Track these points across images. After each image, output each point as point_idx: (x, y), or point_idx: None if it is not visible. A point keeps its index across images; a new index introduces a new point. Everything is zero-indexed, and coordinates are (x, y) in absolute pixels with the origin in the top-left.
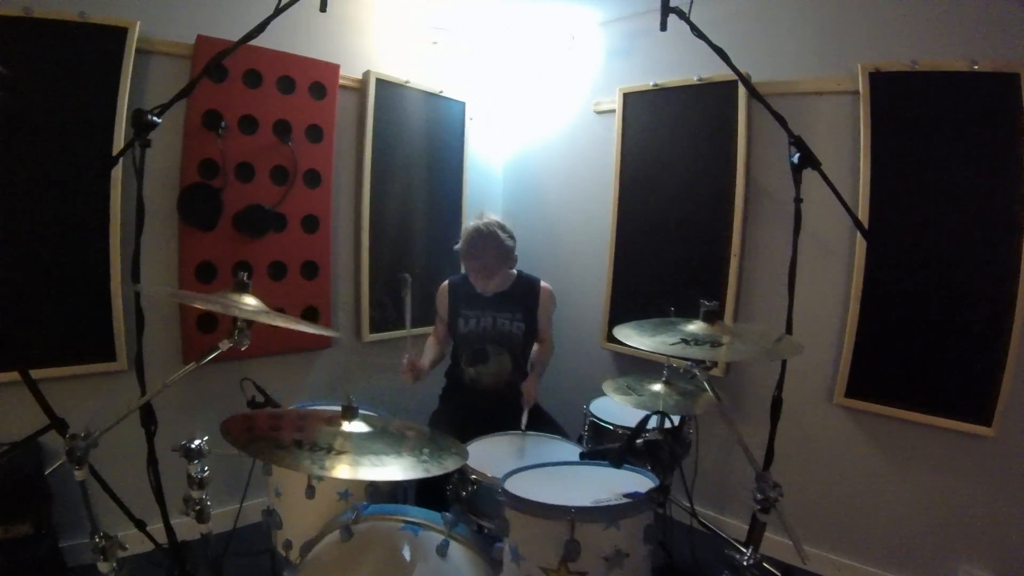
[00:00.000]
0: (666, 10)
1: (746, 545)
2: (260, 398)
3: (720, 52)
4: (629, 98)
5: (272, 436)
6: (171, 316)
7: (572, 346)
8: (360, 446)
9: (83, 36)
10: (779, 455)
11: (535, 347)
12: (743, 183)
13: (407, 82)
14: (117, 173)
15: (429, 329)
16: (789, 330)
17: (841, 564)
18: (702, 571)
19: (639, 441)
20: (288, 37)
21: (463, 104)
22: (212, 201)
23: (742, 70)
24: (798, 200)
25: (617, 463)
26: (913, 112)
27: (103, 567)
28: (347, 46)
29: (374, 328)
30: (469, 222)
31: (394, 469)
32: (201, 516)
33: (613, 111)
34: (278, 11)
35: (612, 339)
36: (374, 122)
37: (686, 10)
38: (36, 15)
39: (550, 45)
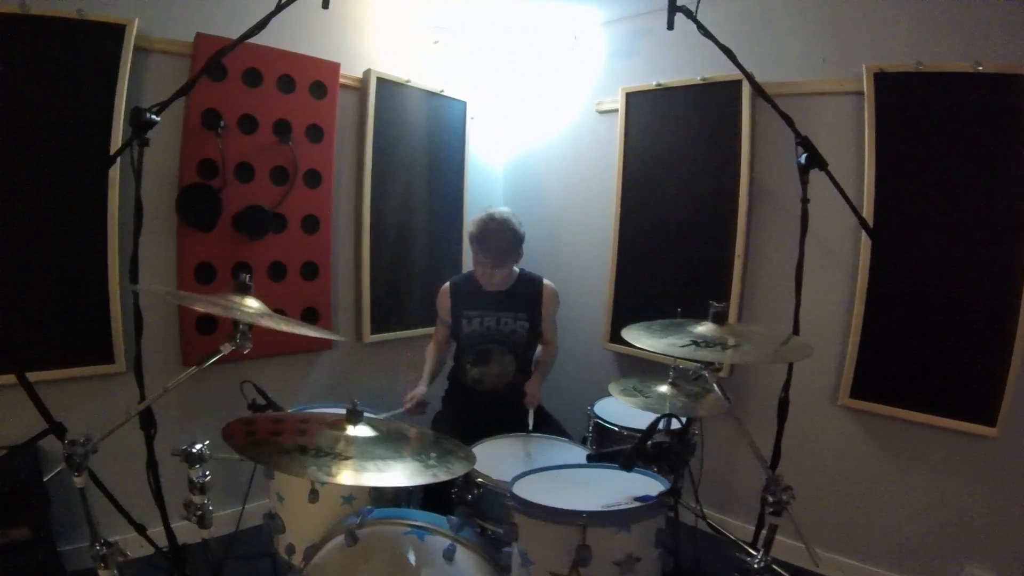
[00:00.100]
0: (673, 9)
1: (755, 547)
2: (261, 401)
3: (727, 51)
4: (632, 98)
5: (276, 441)
6: (170, 317)
7: (574, 347)
8: (366, 451)
9: (80, 34)
10: (783, 456)
11: (539, 348)
12: (747, 183)
13: (408, 81)
14: (115, 173)
15: (429, 330)
16: (796, 331)
17: (844, 564)
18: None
19: (648, 443)
20: (288, 35)
21: (464, 103)
22: (211, 201)
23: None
24: (805, 200)
25: (628, 466)
26: (917, 113)
27: (104, 575)
28: (348, 45)
29: (375, 329)
30: (478, 214)
31: (401, 475)
32: (203, 522)
33: (616, 111)
34: (280, 7)
35: (614, 340)
36: (375, 122)
37: (692, 9)
38: (33, 12)
39: (552, 44)
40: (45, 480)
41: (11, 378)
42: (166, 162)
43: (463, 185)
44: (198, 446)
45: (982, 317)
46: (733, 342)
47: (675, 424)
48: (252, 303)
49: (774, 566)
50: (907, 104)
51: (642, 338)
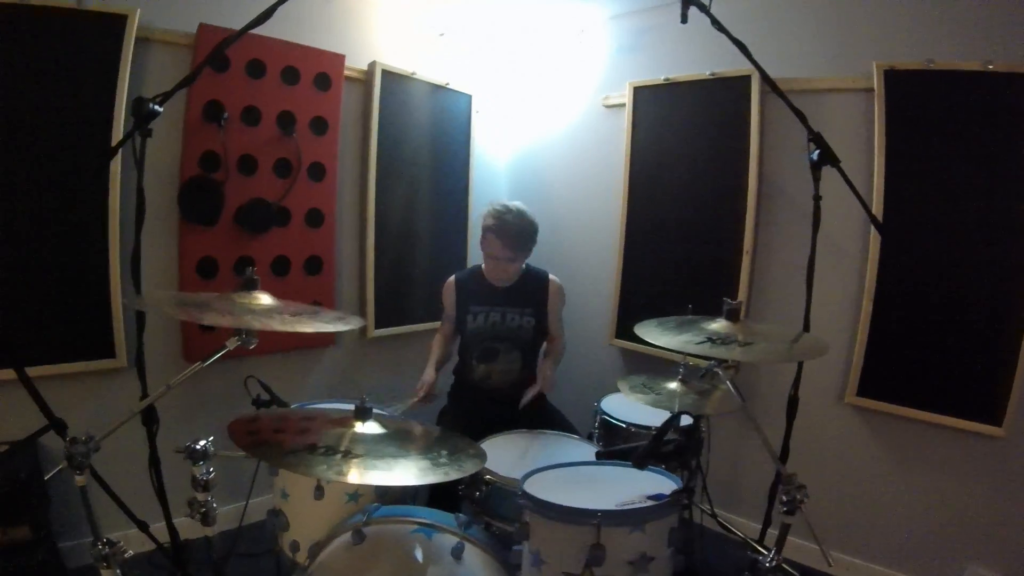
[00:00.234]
0: (686, 2)
1: (765, 546)
2: (266, 396)
3: (741, 46)
4: (639, 92)
5: (282, 439)
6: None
7: (580, 343)
8: (374, 449)
9: (80, 25)
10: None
11: (545, 345)
12: (755, 180)
13: (413, 74)
14: (116, 166)
15: (434, 325)
16: (806, 328)
17: (849, 563)
18: (716, 572)
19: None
20: (292, 27)
21: (470, 97)
22: (213, 195)
23: None
24: (817, 197)
25: (641, 464)
26: (927, 111)
27: (106, 575)
28: (352, 36)
29: (379, 324)
30: (489, 207)
31: (411, 473)
32: (206, 519)
33: (623, 105)
34: None
35: (619, 336)
36: (379, 114)
37: (707, 2)
38: (31, 3)
39: (558, 38)
40: (45, 479)
41: (11, 374)
42: (167, 155)
43: (468, 179)
44: (202, 443)
45: (990, 316)
46: (747, 339)
47: (684, 421)
48: (264, 298)
49: (784, 566)
50: (917, 102)
51: (657, 335)
